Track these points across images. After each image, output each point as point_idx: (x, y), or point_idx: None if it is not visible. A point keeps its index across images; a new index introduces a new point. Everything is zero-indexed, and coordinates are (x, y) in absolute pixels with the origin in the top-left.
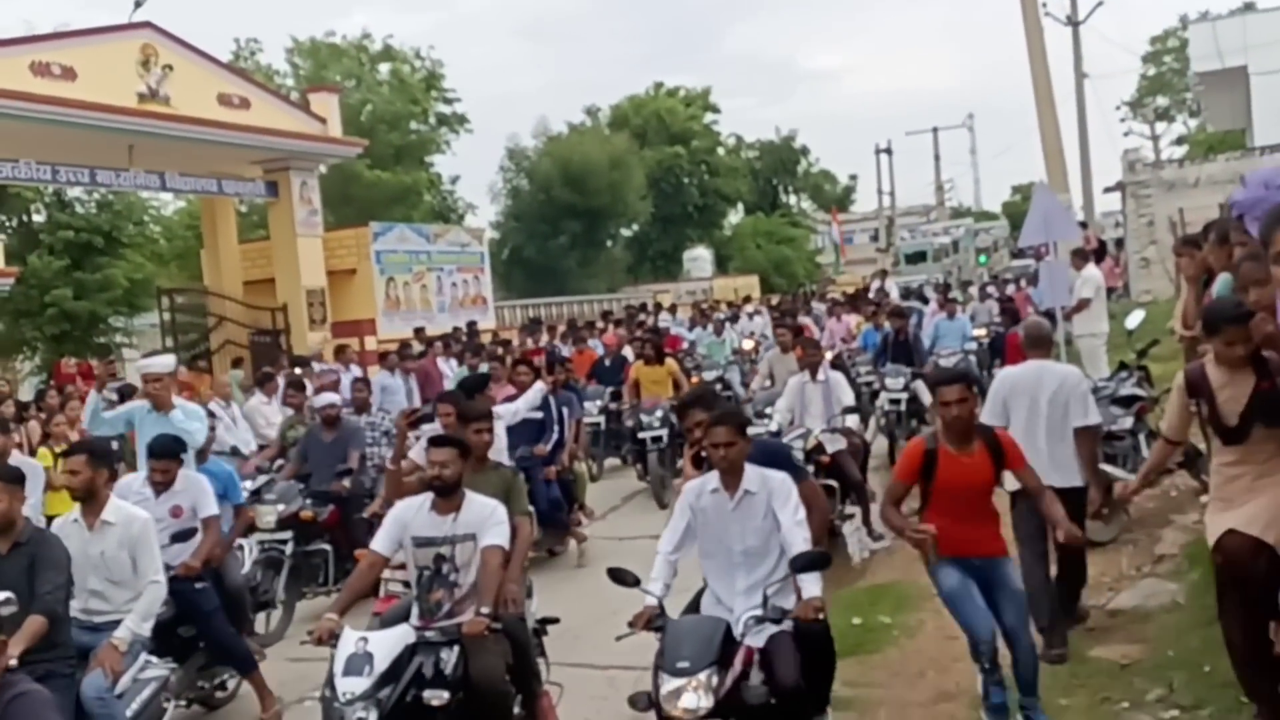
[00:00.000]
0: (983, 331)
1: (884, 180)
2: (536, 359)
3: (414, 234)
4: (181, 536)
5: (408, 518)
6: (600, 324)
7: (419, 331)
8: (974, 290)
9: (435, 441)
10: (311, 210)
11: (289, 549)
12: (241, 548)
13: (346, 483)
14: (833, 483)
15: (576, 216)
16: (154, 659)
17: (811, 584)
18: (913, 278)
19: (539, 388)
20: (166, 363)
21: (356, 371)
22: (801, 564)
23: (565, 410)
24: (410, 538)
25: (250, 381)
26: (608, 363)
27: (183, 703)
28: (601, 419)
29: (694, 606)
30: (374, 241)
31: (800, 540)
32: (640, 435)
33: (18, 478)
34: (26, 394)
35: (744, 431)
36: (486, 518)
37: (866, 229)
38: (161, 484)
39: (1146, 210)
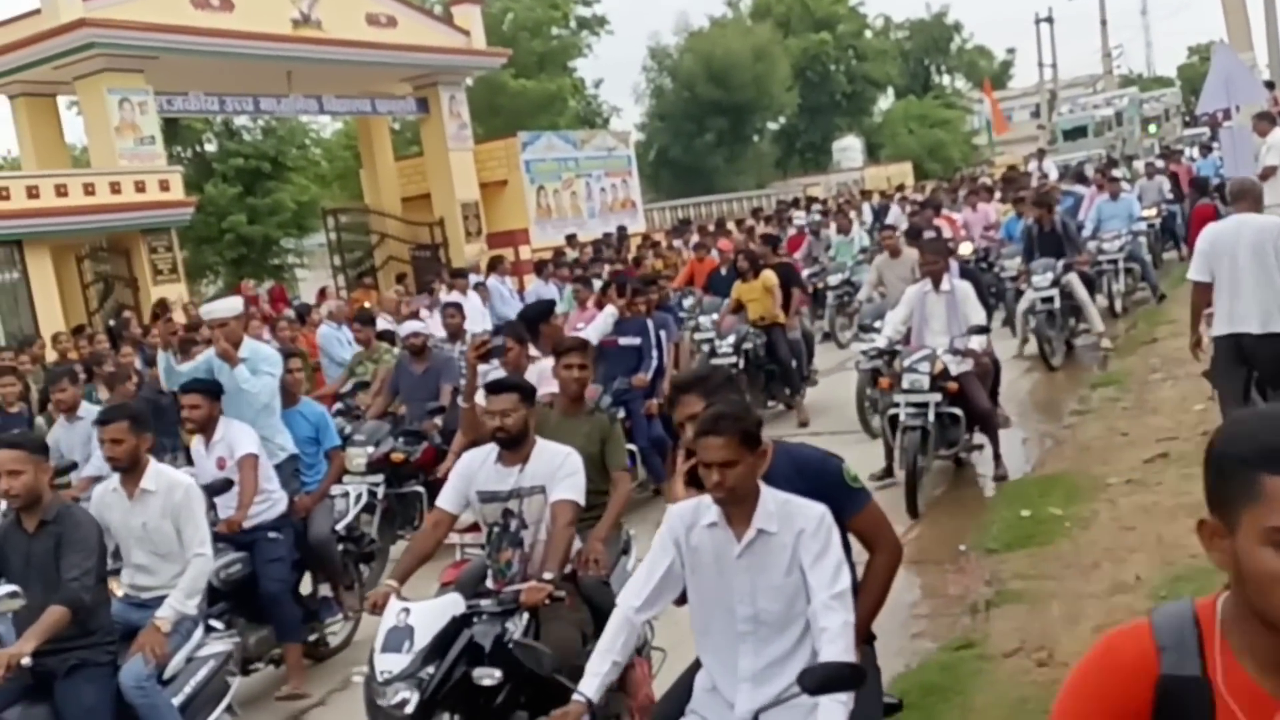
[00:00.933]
0: (1152, 211)
1: (1044, 52)
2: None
3: (561, 141)
4: (224, 487)
5: (473, 470)
6: (749, 221)
7: (571, 239)
8: (1140, 165)
9: (492, 388)
10: (461, 124)
11: (380, 492)
12: (346, 495)
13: (439, 421)
14: (958, 410)
15: (722, 113)
16: (218, 627)
17: (833, 713)
18: (1072, 155)
19: (609, 312)
20: (232, 305)
21: (510, 283)
22: (815, 682)
23: (663, 333)
24: (475, 492)
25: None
26: (724, 272)
27: (268, 665)
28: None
29: (683, 689)
30: (523, 151)
31: (834, 629)
32: (711, 361)
33: (41, 448)
34: None
35: (754, 443)
36: (557, 468)
37: (1027, 105)
38: (197, 426)
39: None
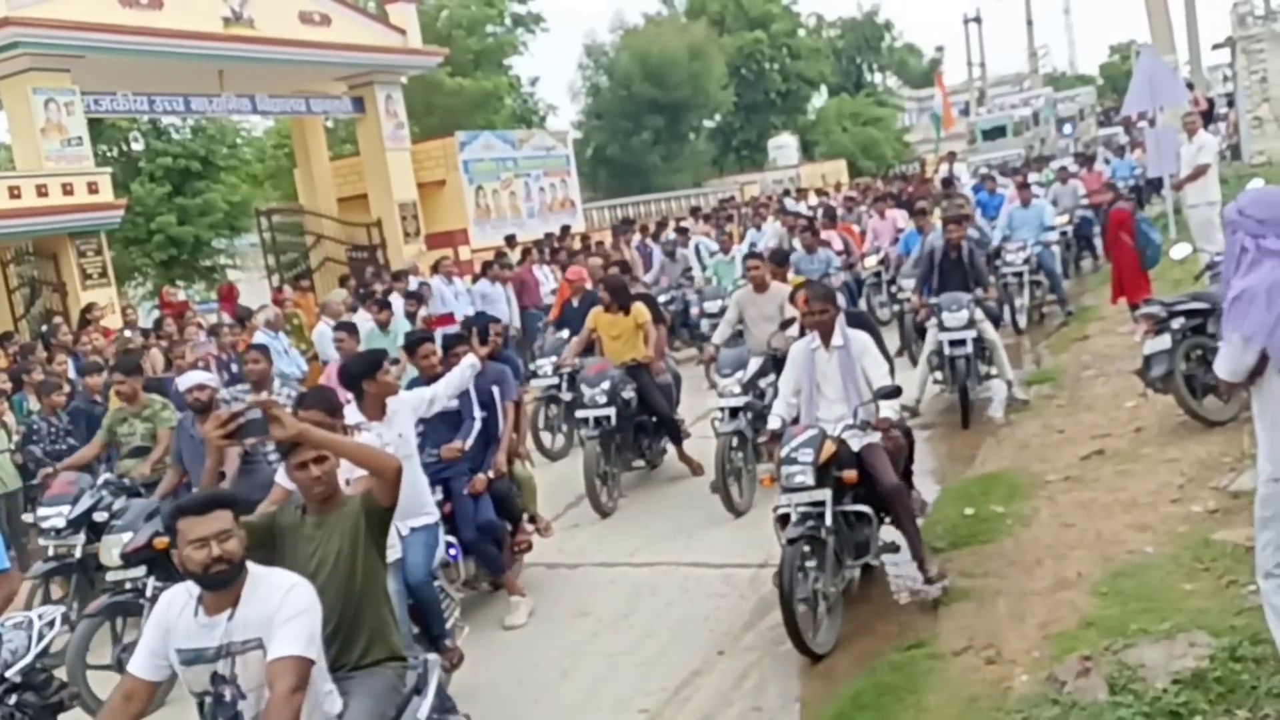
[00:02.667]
0: (1064, 219)
1: (973, 51)
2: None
3: (499, 141)
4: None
5: (170, 619)
6: (685, 221)
7: (510, 239)
8: (1052, 167)
9: (195, 506)
10: (398, 124)
11: (149, 588)
12: (22, 625)
13: None
14: (863, 508)
15: (658, 111)
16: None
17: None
18: (991, 155)
19: (468, 363)
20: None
21: (460, 285)
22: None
23: (496, 390)
24: (175, 651)
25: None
26: (575, 303)
27: None
28: (560, 381)
29: None
30: (461, 151)
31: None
32: (578, 414)
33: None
34: (143, 321)
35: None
36: (276, 609)
37: (956, 103)
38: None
39: (1259, 66)
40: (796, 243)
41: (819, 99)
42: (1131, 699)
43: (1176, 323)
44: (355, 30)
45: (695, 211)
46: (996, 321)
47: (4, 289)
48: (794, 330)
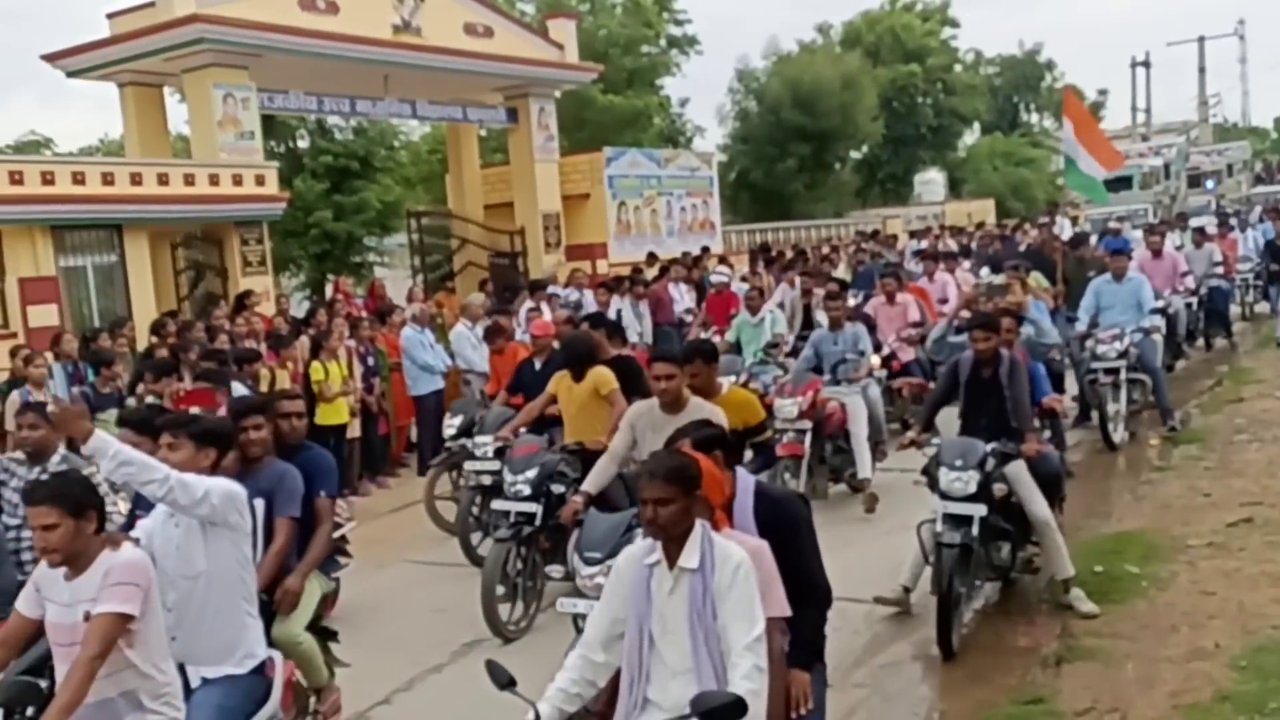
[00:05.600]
0: (1179, 294)
1: (1139, 96)
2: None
3: (645, 159)
4: None
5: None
6: (760, 264)
7: (651, 257)
8: (1193, 224)
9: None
10: (549, 136)
11: None
12: None
13: None
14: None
15: (805, 139)
16: None
17: None
18: (1113, 209)
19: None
20: None
21: (587, 296)
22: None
23: (259, 504)
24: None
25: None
26: (538, 365)
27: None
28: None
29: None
30: (607, 166)
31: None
32: (493, 504)
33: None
34: (294, 310)
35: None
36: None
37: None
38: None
39: None
40: (821, 315)
41: (971, 136)
42: None
43: None
44: (515, 43)
45: (835, 247)
46: (1061, 446)
47: (171, 270)
48: None
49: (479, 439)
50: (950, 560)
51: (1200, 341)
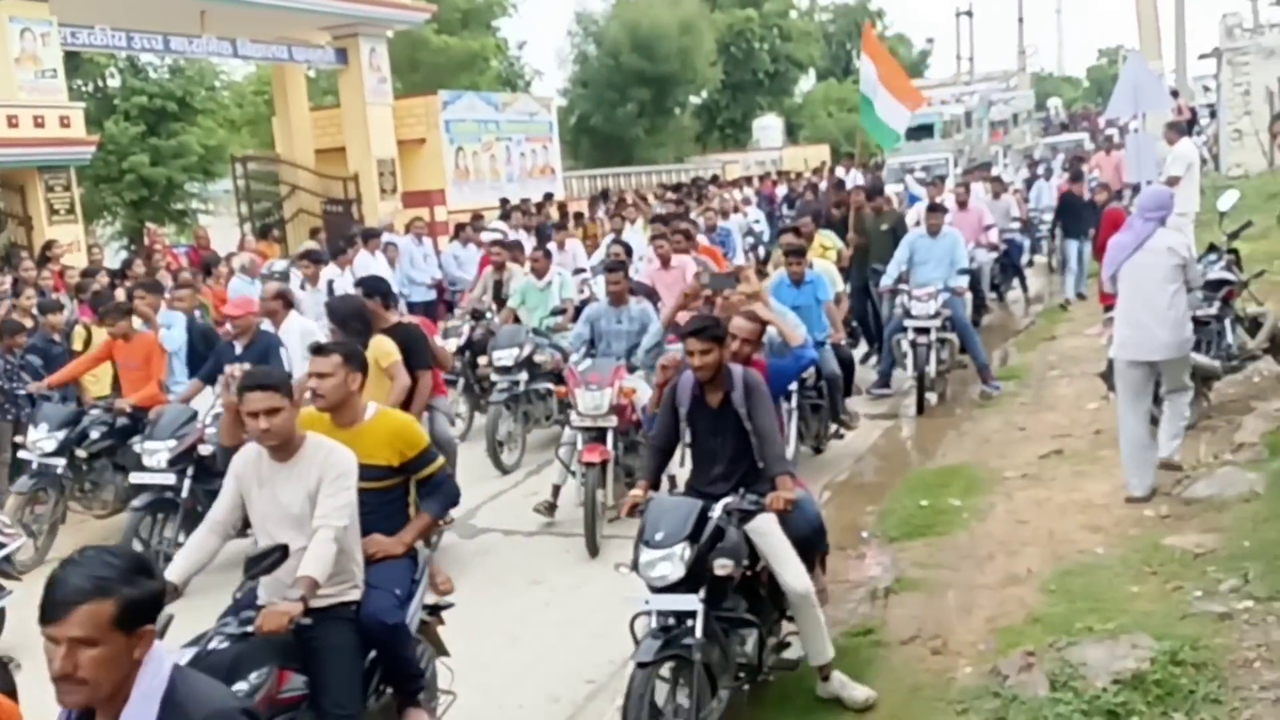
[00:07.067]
0: (983, 248)
1: (963, 45)
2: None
3: (483, 102)
4: None
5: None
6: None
7: (504, 203)
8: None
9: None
10: (381, 78)
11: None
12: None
13: None
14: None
15: (645, 83)
16: None
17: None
18: (913, 158)
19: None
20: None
21: (429, 246)
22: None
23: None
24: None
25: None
26: (239, 349)
27: None
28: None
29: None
30: (443, 110)
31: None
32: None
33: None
34: (109, 260)
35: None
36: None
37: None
38: None
39: (1243, 79)
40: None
41: (807, 82)
42: (1071, 696)
43: None
44: None
45: (678, 189)
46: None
47: None
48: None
49: (148, 444)
50: (643, 687)
51: (994, 295)
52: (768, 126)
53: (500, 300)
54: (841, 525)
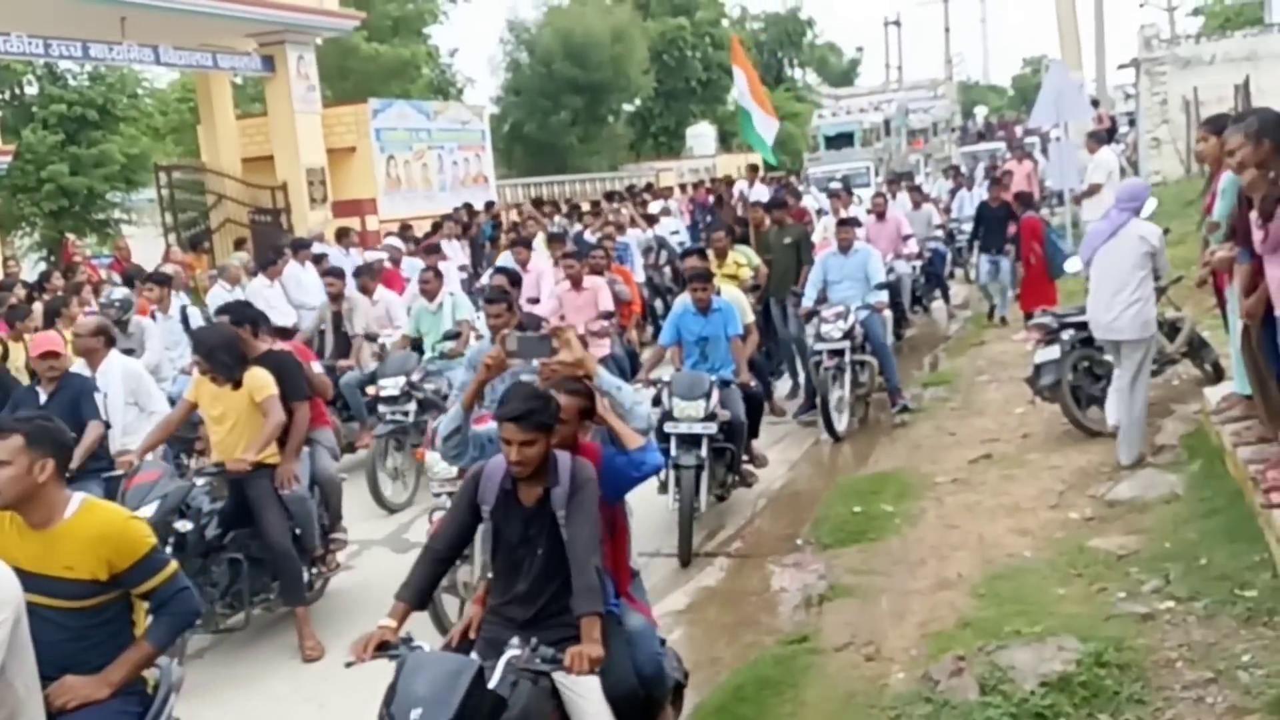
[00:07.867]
0: (903, 259)
1: (892, 54)
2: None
3: (414, 111)
4: None
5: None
6: (604, 204)
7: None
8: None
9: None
10: (309, 86)
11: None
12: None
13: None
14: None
15: (578, 91)
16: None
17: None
18: (833, 167)
19: None
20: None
21: (355, 256)
22: None
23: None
24: None
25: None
26: (43, 396)
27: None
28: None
29: None
30: (373, 119)
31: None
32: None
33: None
34: (27, 273)
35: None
36: None
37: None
38: None
39: (1160, 88)
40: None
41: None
42: (1000, 699)
43: (1066, 334)
44: None
45: (612, 196)
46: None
47: None
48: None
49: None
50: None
51: (918, 308)
52: (701, 134)
53: (342, 336)
54: (775, 534)
